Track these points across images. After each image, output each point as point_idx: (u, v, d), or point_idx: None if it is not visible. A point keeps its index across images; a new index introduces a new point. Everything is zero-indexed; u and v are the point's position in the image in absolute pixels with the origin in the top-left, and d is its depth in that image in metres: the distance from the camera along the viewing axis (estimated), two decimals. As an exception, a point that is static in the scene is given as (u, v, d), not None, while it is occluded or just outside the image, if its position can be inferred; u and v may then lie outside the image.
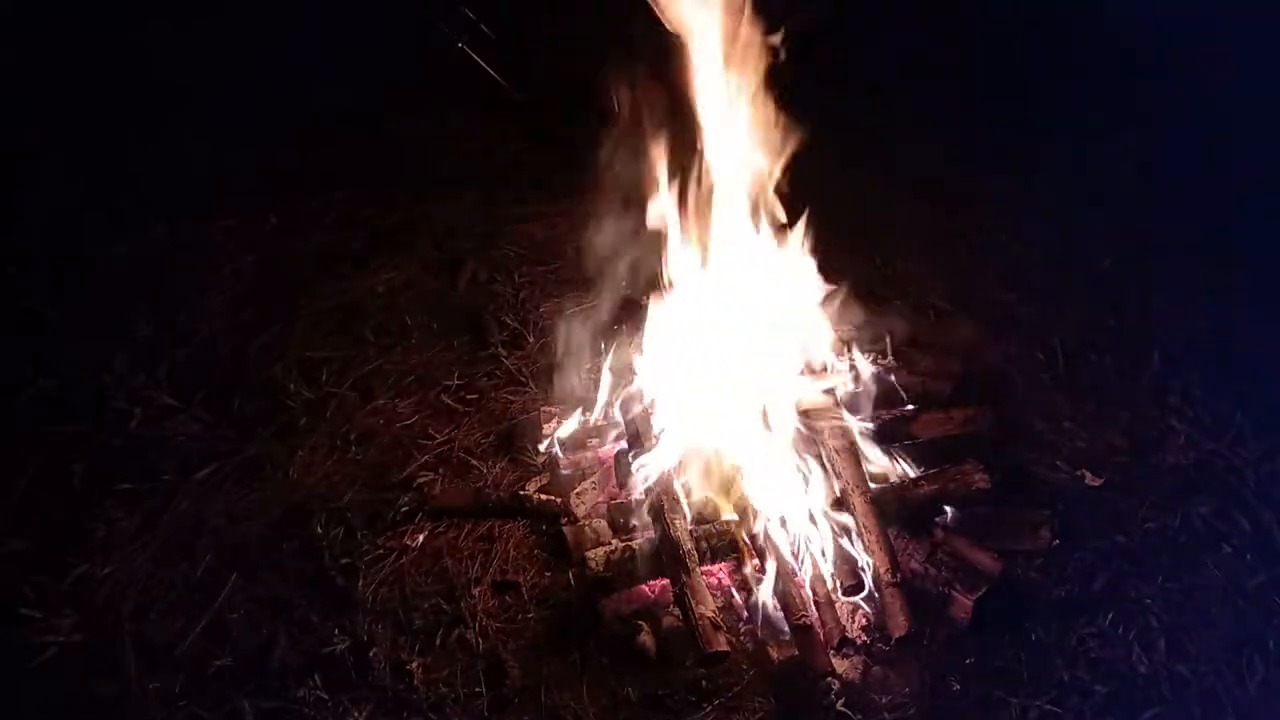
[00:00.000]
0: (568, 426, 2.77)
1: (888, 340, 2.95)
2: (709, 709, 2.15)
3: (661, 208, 2.64)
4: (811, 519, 2.46)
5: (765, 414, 2.58)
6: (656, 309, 2.80)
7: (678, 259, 2.69)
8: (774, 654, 2.28)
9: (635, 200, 2.72)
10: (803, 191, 2.69)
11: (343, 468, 2.78)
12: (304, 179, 4.20)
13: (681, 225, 2.66)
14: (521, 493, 2.68)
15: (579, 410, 2.83)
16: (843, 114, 2.59)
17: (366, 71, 4.74)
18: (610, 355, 2.92)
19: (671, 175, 2.61)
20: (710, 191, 2.59)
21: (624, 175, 2.71)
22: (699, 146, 2.55)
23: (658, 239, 2.71)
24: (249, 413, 2.95)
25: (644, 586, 2.36)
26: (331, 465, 2.79)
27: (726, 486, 2.55)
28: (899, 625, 2.23)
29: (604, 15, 3.00)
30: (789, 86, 2.51)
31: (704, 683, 2.19)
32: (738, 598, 2.40)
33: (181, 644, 2.29)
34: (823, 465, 2.52)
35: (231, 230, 3.89)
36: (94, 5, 4.64)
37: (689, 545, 2.36)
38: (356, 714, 2.14)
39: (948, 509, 2.50)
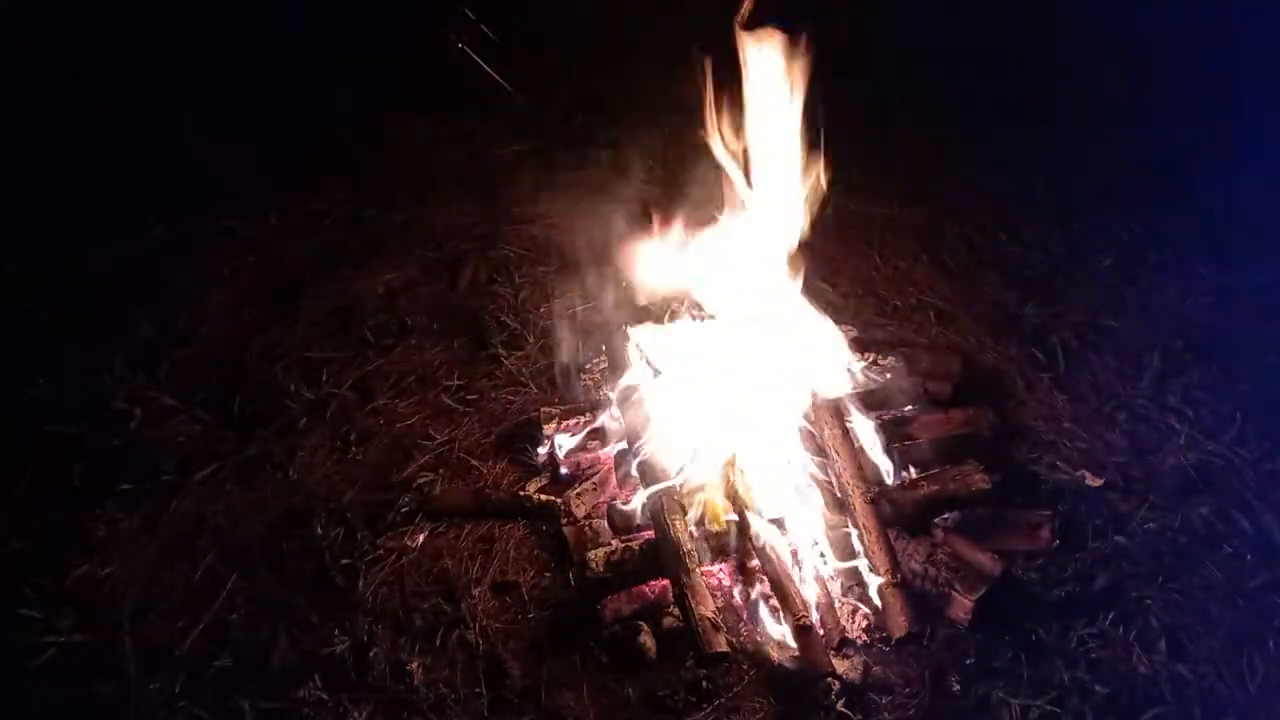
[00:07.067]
0: (569, 429, 2.76)
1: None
2: (709, 709, 2.14)
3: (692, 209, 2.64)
4: (811, 520, 2.46)
5: (766, 414, 2.58)
6: (658, 309, 2.80)
7: (687, 261, 2.69)
8: (774, 654, 2.28)
9: (636, 201, 2.72)
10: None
11: (343, 468, 2.78)
12: (304, 179, 4.20)
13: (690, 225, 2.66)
14: (521, 493, 2.68)
15: (579, 412, 2.82)
16: (842, 114, 2.58)
17: (367, 71, 4.74)
18: (610, 355, 2.92)
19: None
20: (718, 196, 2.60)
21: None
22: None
23: (658, 239, 2.70)
24: (249, 413, 2.95)
25: (644, 586, 2.36)
26: (331, 465, 2.78)
27: (726, 486, 2.54)
28: (899, 625, 2.23)
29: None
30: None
31: (704, 683, 2.19)
32: (738, 598, 2.39)
33: (181, 644, 2.29)
34: (823, 465, 2.52)
35: (231, 230, 3.89)
36: (94, 5, 4.64)
37: (689, 545, 2.36)
38: (356, 714, 2.14)
39: (948, 509, 2.50)
